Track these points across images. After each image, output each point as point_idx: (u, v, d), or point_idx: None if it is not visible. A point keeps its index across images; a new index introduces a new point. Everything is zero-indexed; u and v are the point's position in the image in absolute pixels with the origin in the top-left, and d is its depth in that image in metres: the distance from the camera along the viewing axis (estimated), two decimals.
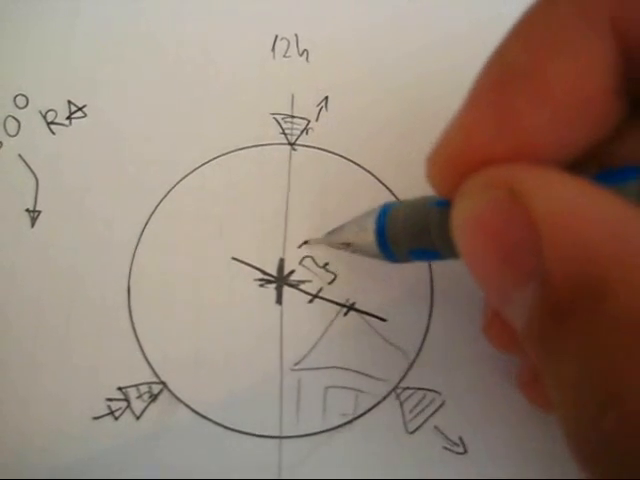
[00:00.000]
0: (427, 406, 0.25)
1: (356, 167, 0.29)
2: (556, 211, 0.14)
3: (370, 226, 0.23)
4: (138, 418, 0.25)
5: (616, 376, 0.12)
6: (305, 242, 0.28)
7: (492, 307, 0.23)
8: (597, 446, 0.13)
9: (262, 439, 0.25)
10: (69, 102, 0.30)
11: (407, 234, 0.21)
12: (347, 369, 0.26)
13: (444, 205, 0.18)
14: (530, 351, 0.15)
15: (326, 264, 0.27)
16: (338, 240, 0.25)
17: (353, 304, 0.27)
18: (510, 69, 0.16)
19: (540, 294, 0.14)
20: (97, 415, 0.25)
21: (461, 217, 0.16)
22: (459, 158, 0.17)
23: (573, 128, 0.16)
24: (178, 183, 0.29)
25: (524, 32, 0.16)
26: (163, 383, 0.26)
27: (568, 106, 0.15)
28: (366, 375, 0.26)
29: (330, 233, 0.26)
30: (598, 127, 0.16)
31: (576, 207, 0.13)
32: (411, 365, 0.26)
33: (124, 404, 0.25)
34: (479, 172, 0.16)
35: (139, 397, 0.26)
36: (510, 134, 0.15)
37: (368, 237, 0.23)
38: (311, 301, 0.27)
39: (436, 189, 0.19)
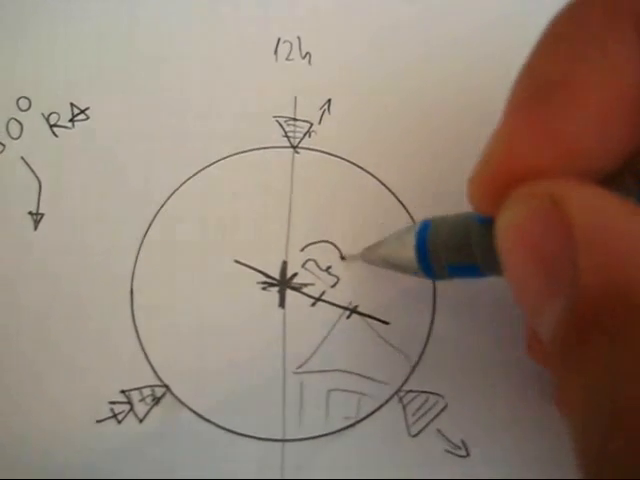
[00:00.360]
0: (430, 409, 0.25)
1: (359, 170, 0.29)
2: (594, 224, 0.14)
3: (410, 241, 0.23)
4: (141, 421, 0.25)
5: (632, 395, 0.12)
6: (342, 258, 0.28)
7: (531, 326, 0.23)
8: (605, 467, 0.13)
9: (265, 442, 0.25)
10: (72, 105, 0.30)
11: (448, 249, 0.21)
12: (350, 372, 0.26)
13: (486, 222, 0.19)
14: (552, 364, 0.15)
15: (329, 267, 0.27)
16: (376, 256, 0.25)
17: (356, 307, 0.27)
18: (545, 82, 0.16)
19: (569, 307, 0.14)
20: (100, 418, 0.25)
21: (504, 227, 0.16)
22: (502, 174, 0.17)
23: (613, 136, 0.16)
24: (181, 186, 0.29)
25: (554, 43, 0.16)
26: (166, 386, 0.26)
27: (606, 115, 0.15)
28: (369, 378, 0.26)
29: (368, 249, 0.26)
30: (637, 135, 0.16)
31: (614, 222, 0.14)
32: (413, 368, 0.26)
33: (127, 407, 0.25)
34: (523, 185, 0.16)
35: (142, 400, 0.26)
36: (551, 147, 0.16)
37: (408, 252, 0.23)
38: (314, 304, 0.27)
39: (478, 207, 0.19)
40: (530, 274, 0.15)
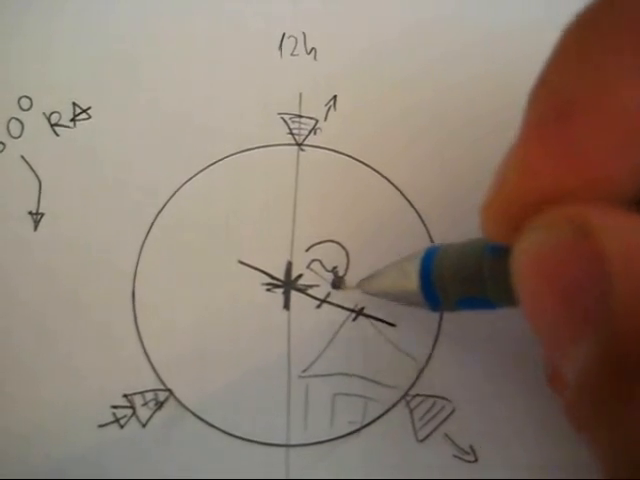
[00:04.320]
0: (437, 414, 0.25)
1: (365, 168, 0.28)
2: (630, 256, 0.12)
3: (414, 271, 0.21)
4: (144, 426, 0.25)
5: None
6: (336, 287, 0.27)
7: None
8: None
9: (269, 447, 0.25)
10: (74, 104, 0.30)
11: (457, 281, 0.19)
12: (356, 376, 0.25)
13: (499, 251, 0.17)
14: (578, 413, 0.14)
15: (334, 268, 0.27)
16: (375, 288, 0.24)
17: (362, 309, 0.26)
18: (566, 101, 0.15)
19: (602, 351, 0.12)
20: (102, 423, 0.25)
21: (523, 257, 0.15)
22: (519, 200, 0.15)
23: (638, 159, 0.14)
24: (184, 185, 0.28)
25: (573, 55, 0.15)
26: (169, 390, 0.25)
27: (633, 137, 0.14)
28: (375, 382, 0.25)
29: (366, 279, 0.25)
30: None
31: None
32: (421, 372, 0.26)
33: (130, 411, 0.25)
34: (544, 211, 0.14)
35: (145, 404, 0.25)
36: (573, 172, 0.14)
37: (411, 284, 0.21)
38: (319, 306, 0.27)
39: (493, 235, 0.17)
40: (553, 310, 0.14)
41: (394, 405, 0.25)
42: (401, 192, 0.28)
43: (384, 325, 0.26)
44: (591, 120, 0.14)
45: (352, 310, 0.26)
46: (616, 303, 0.12)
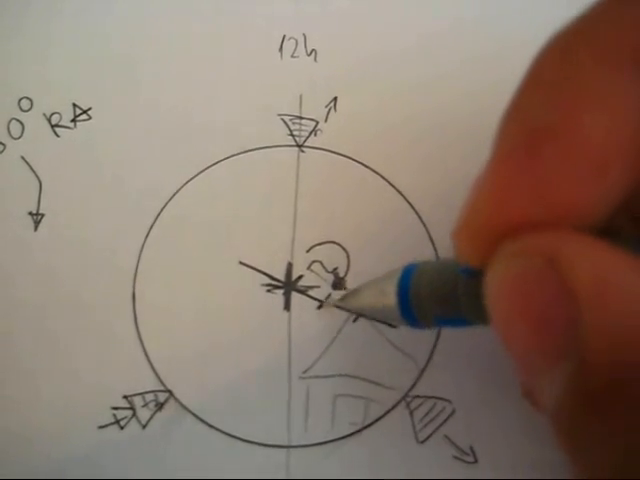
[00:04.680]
0: (437, 415, 0.25)
1: (366, 169, 0.29)
2: (596, 283, 0.12)
3: (391, 290, 0.21)
4: (144, 427, 0.25)
5: None
6: (320, 307, 0.27)
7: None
8: None
9: (270, 448, 0.25)
10: (74, 105, 0.30)
11: (433, 300, 0.20)
12: (356, 377, 0.25)
13: (472, 272, 0.17)
14: (557, 437, 0.14)
15: (335, 269, 0.27)
16: (354, 305, 0.24)
17: None
18: (536, 128, 0.14)
19: (574, 378, 0.13)
20: (102, 424, 0.25)
21: (496, 283, 0.15)
22: (490, 226, 0.15)
23: (609, 184, 0.14)
24: (184, 186, 0.28)
25: (543, 83, 0.15)
26: (169, 391, 0.25)
27: (604, 162, 0.14)
28: (375, 383, 0.25)
29: (344, 298, 0.25)
30: (636, 179, 0.15)
31: (622, 283, 0.12)
32: (421, 373, 0.26)
33: (130, 413, 0.25)
34: (515, 239, 0.15)
35: (145, 406, 0.25)
36: (543, 200, 0.14)
37: (389, 301, 0.21)
38: (320, 307, 0.27)
39: (465, 259, 0.17)
40: (525, 338, 0.14)
41: (394, 406, 0.25)
42: (401, 194, 0.28)
43: (384, 326, 0.26)
44: (558, 149, 0.14)
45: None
46: (585, 333, 0.12)
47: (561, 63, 0.14)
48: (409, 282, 0.21)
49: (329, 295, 0.27)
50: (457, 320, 0.19)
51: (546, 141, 0.14)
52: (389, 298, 0.21)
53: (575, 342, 0.13)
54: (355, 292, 0.24)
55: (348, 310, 0.25)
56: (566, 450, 0.14)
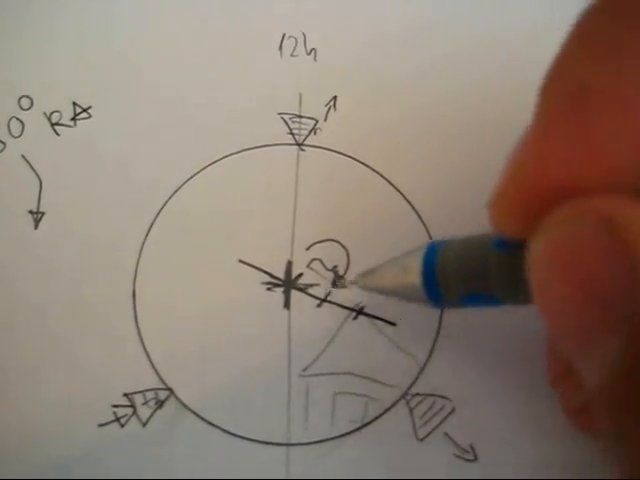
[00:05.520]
0: (437, 413, 0.25)
1: (365, 168, 0.29)
2: None
3: (416, 267, 0.20)
4: (144, 425, 0.25)
5: None
6: (334, 285, 0.26)
7: (564, 358, 0.20)
8: None
9: (269, 446, 0.25)
10: (74, 103, 0.30)
11: (461, 276, 0.19)
12: (356, 375, 0.25)
13: (506, 246, 0.17)
14: (603, 417, 0.13)
15: (335, 267, 0.27)
16: (374, 283, 0.23)
17: (362, 308, 0.26)
18: (582, 89, 0.14)
19: (631, 347, 0.12)
20: (103, 422, 0.25)
21: (542, 252, 0.14)
22: (536, 190, 0.15)
23: None
24: (184, 184, 0.28)
25: (589, 42, 0.14)
26: (170, 389, 0.25)
27: None
28: (375, 381, 0.25)
29: (363, 275, 0.23)
30: None
31: None
32: (421, 371, 0.26)
33: (130, 410, 0.25)
34: (565, 204, 0.14)
35: (145, 403, 0.25)
36: (591, 160, 0.14)
37: (412, 279, 0.20)
38: (319, 305, 0.27)
39: (504, 228, 0.17)
40: (575, 307, 0.13)
41: (394, 404, 0.25)
42: (400, 192, 0.28)
43: (384, 324, 0.26)
44: (608, 107, 0.14)
45: (352, 309, 0.26)
46: None
47: (608, 21, 0.14)
48: (435, 259, 0.20)
49: (329, 293, 0.27)
50: (486, 298, 0.19)
51: (594, 99, 0.14)
52: (412, 275, 0.20)
53: (633, 308, 0.12)
54: (375, 270, 0.23)
55: (367, 289, 0.24)
56: (614, 430, 0.13)
